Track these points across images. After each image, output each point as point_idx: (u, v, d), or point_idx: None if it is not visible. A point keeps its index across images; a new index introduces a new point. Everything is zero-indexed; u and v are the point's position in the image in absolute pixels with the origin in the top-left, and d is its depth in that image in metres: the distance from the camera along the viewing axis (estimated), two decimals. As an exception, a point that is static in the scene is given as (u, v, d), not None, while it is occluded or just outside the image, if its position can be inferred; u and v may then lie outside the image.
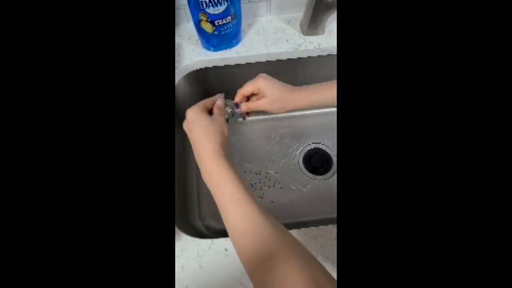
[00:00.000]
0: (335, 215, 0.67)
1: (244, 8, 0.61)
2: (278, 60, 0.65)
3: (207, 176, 0.36)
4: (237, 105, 0.46)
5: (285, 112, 0.45)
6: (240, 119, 0.49)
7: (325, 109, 0.81)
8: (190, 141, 0.39)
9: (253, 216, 0.32)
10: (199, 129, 0.38)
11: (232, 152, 0.75)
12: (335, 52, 0.65)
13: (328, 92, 0.43)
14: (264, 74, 0.44)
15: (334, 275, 0.28)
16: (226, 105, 0.45)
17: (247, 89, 0.44)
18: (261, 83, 0.43)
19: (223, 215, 0.34)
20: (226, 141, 0.39)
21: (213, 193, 0.35)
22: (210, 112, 0.42)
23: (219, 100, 0.43)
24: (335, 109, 0.80)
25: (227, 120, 0.44)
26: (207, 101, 0.42)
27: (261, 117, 0.80)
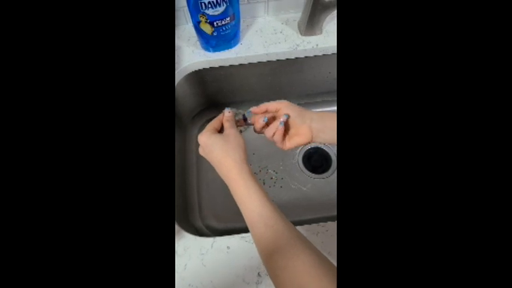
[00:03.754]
0: (335, 213, 0.68)
1: (243, 9, 0.62)
2: (277, 61, 0.65)
3: (235, 194, 0.36)
4: (244, 117, 0.45)
5: (302, 128, 0.41)
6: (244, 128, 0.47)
7: (326, 108, 0.82)
8: (212, 164, 0.39)
9: (276, 226, 0.33)
10: (217, 151, 0.38)
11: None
12: (333, 52, 0.65)
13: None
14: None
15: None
16: (236, 114, 0.44)
17: (271, 104, 0.43)
18: (284, 103, 0.43)
19: (250, 228, 0.35)
20: (246, 152, 0.38)
21: (240, 207, 0.36)
22: (220, 130, 0.42)
23: (226, 112, 0.42)
24: (335, 108, 0.81)
25: (240, 132, 0.43)
26: (214, 122, 0.42)
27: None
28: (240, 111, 0.45)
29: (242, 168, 0.36)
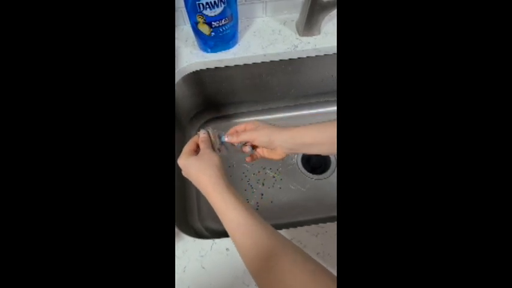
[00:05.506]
0: (334, 214, 0.67)
1: (241, 9, 0.62)
2: (275, 61, 0.65)
3: (215, 208, 0.38)
4: (219, 136, 0.47)
5: (274, 150, 0.45)
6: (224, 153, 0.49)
7: (324, 109, 0.82)
8: (193, 183, 0.41)
9: (255, 232, 0.34)
10: (194, 171, 0.40)
11: (230, 153, 0.76)
12: (331, 52, 0.65)
13: (311, 132, 0.43)
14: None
15: (335, 270, 0.28)
16: (213, 134, 0.46)
17: (241, 126, 0.47)
18: (255, 122, 0.46)
19: (232, 239, 0.36)
20: (222, 169, 0.40)
21: (221, 221, 0.37)
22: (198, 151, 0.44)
23: (201, 134, 0.45)
24: (333, 109, 0.81)
25: (219, 150, 0.46)
26: (190, 144, 0.44)
27: (259, 118, 0.80)
28: (215, 131, 0.47)
29: (217, 183, 0.38)
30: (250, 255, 0.33)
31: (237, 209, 0.35)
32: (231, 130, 0.47)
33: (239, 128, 0.47)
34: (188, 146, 0.43)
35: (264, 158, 0.49)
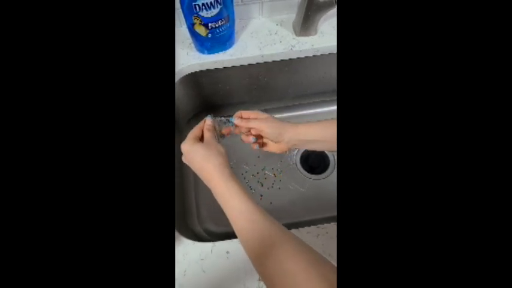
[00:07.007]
0: (334, 214, 0.67)
1: (237, 10, 0.61)
2: (272, 62, 0.65)
3: (217, 196, 0.38)
4: (228, 120, 0.47)
5: (278, 143, 0.46)
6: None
7: (322, 109, 0.82)
8: (194, 171, 0.41)
9: (257, 220, 0.34)
10: (198, 158, 0.40)
11: (229, 155, 0.75)
12: (328, 52, 0.65)
13: (318, 130, 0.45)
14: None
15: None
16: (219, 122, 0.46)
17: (248, 112, 0.47)
18: (265, 124, 0.46)
19: (234, 226, 0.36)
20: (226, 158, 0.40)
21: (223, 208, 0.37)
22: (203, 137, 0.44)
23: (208, 120, 0.45)
24: (334, 108, 0.81)
25: (222, 136, 0.46)
26: (195, 130, 0.44)
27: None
28: (222, 118, 0.47)
29: (223, 171, 0.38)
30: (251, 242, 0.33)
31: (241, 197, 0.36)
32: (237, 113, 0.47)
33: (250, 114, 0.47)
34: (194, 132, 0.43)
35: (262, 150, 0.50)
